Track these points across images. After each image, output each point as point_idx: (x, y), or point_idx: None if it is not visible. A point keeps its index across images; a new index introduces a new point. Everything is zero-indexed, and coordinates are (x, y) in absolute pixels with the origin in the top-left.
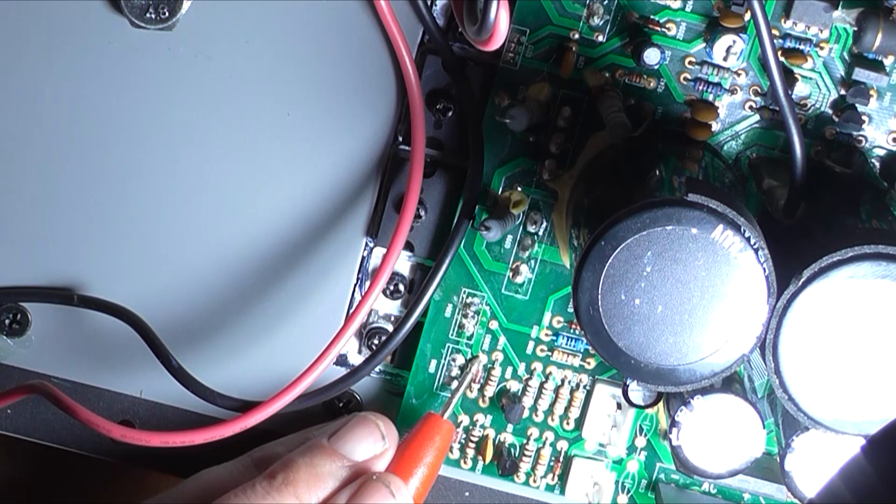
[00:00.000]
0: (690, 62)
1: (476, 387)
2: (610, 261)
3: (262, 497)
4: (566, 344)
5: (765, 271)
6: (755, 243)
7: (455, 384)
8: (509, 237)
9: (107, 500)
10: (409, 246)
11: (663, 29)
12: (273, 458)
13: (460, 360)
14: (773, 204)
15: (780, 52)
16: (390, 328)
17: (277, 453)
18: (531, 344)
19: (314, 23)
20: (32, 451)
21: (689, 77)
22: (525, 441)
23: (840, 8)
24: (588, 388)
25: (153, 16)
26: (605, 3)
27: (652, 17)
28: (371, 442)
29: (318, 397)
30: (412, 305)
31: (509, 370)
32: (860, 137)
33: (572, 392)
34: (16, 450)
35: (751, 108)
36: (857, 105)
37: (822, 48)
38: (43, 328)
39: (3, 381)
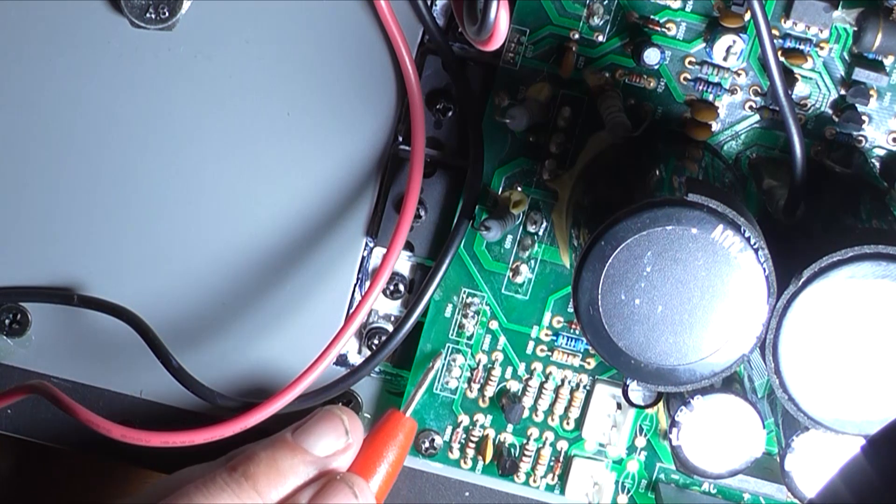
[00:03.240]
0: (690, 62)
1: (476, 387)
2: (610, 261)
3: (220, 489)
4: (566, 344)
5: (765, 271)
6: (755, 243)
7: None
8: (509, 237)
9: (106, 501)
10: (409, 246)
11: (663, 29)
12: None
13: (460, 359)
14: (773, 204)
15: (780, 52)
16: (390, 328)
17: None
18: (531, 344)
19: (314, 23)
20: (31, 450)
21: (689, 77)
22: (525, 441)
23: (840, 8)
24: (588, 388)
25: (153, 16)
26: (605, 3)
27: (652, 17)
28: (334, 438)
29: (318, 397)
30: (412, 305)
31: (509, 370)
32: (860, 137)
33: (572, 392)
34: (15, 449)
35: (751, 108)
36: (857, 105)
37: (822, 48)
38: (43, 328)
39: (3, 381)
